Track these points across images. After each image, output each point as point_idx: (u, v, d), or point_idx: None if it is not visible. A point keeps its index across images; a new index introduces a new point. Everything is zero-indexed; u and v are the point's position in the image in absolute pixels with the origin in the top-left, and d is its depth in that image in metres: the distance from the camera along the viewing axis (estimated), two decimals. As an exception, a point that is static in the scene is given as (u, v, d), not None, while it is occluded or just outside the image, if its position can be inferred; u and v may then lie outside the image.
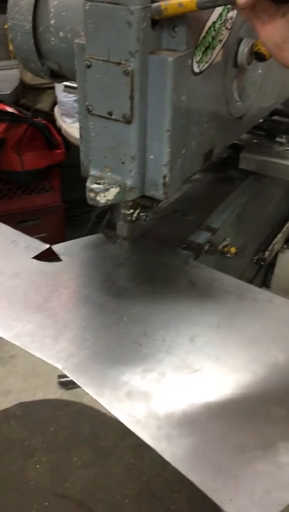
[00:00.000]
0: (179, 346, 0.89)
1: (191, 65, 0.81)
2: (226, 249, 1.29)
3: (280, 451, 0.73)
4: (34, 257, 1.10)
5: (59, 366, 0.85)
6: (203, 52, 0.82)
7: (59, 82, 1.10)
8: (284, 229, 1.79)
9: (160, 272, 1.08)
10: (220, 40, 0.86)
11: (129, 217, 1.00)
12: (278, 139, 1.49)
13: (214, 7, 0.75)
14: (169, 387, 0.82)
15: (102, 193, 0.86)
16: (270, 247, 1.70)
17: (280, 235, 1.75)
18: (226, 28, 0.87)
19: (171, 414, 0.78)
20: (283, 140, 1.49)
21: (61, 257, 1.10)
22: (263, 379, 0.84)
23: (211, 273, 1.08)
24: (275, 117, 1.62)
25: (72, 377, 0.83)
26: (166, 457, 0.72)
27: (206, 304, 0.99)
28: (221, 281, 1.05)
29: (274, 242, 1.72)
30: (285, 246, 1.81)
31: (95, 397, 0.80)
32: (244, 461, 0.72)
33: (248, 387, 0.83)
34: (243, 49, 0.94)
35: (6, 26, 3.09)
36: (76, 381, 0.83)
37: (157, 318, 0.96)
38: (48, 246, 1.12)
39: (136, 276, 1.07)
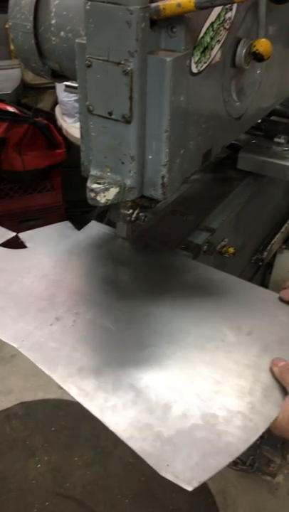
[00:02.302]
0: (134, 325, 0.94)
1: (190, 66, 0.81)
2: (224, 249, 1.30)
3: (220, 421, 0.77)
4: (0, 245, 1.15)
5: (15, 345, 0.89)
6: (201, 53, 0.83)
7: (60, 82, 1.11)
8: (282, 229, 1.79)
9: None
10: (218, 41, 0.87)
11: (129, 218, 1.00)
12: (277, 140, 1.50)
13: (212, 7, 0.75)
14: (120, 362, 0.87)
15: (102, 192, 0.86)
16: (268, 247, 1.70)
17: (278, 235, 1.76)
18: (225, 28, 0.87)
19: (118, 387, 0.83)
20: (282, 140, 1.49)
21: (27, 244, 1.17)
22: (210, 354, 0.89)
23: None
24: (274, 118, 1.62)
25: (27, 355, 0.88)
26: (110, 427, 0.76)
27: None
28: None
29: (272, 242, 1.72)
30: (283, 246, 1.81)
31: (47, 372, 0.85)
32: (184, 429, 0.76)
33: (194, 362, 0.87)
34: (242, 49, 0.95)
35: (7, 26, 3.10)
36: (30, 358, 0.87)
37: (117, 293, 1.01)
38: (14, 234, 1.18)
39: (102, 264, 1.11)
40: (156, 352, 0.90)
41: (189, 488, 0.70)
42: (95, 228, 1.21)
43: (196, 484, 0.70)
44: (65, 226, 1.23)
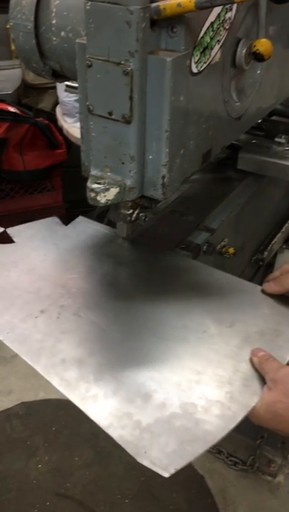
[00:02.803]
0: (119, 318, 0.96)
1: (190, 66, 0.81)
2: (224, 249, 1.30)
3: (198, 410, 0.79)
4: None
5: (0, 337, 0.92)
6: (201, 53, 0.83)
7: (60, 82, 1.11)
8: (283, 229, 1.79)
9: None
10: (218, 41, 0.87)
11: (129, 218, 1.01)
12: (277, 139, 1.50)
13: (212, 7, 0.76)
14: (103, 354, 0.88)
15: (103, 192, 0.86)
16: (269, 247, 1.70)
17: (279, 235, 1.76)
18: (225, 28, 0.87)
19: (100, 377, 0.84)
20: (282, 140, 1.49)
21: (14, 239, 1.18)
22: (192, 346, 0.91)
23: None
24: (275, 117, 1.62)
25: (11, 347, 0.90)
26: (90, 416, 0.78)
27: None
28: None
29: (273, 242, 1.72)
30: (284, 246, 1.81)
31: (31, 363, 0.87)
32: (163, 418, 0.78)
33: (176, 353, 0.89)
34: (242, 49, 0.95)
35: (8, 26, 3.10)
36: (15, 350, 0.89)
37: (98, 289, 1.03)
38: (2, 229, 1.20)
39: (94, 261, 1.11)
40: (140, 344, 0.91)
41: (166, 475, 0.72)
42: (89, 226, 1.22)
43: (172, 471, 0.72)
44: (52, 221, 1.24)
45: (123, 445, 0.75)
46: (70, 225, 1.22)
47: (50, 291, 1.02)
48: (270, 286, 1.02)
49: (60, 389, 0.83)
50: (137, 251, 1.13)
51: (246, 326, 0.95)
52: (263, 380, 0.84)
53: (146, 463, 0.73)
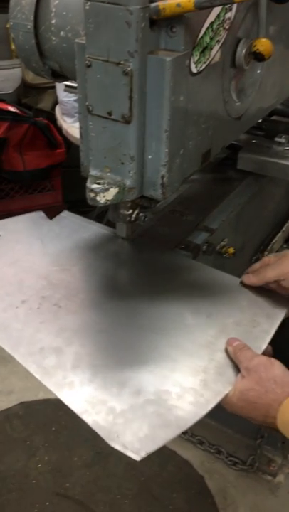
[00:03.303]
0: (99, 309, 0.98)
1: (189, 66, 0.81)
2: (224, 249, 1.29)
3: (172, 396, 0.81)
4: None
5: None
6: (201, 53, 0.83)
7: (60, 82, 1.11)
8: (283, 228, 1.79)
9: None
10: (218, 41, 0.87)
11: (128, 218, 1.00)
12: (277, 139, 1.49)
13: (212, 7, 0.75)
14: (81, 343, 0.90)
15: (102, 193, 0.86)
16: (269, 247, 1.70)
17: (279, 235, 1.76)
18: (224, 28, 0.87)
19: (77, 365, 0.86)
20: (283, 140, 1.49)
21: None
22: (169, 336, 0.93)
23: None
24: (275, 117, 1.62)
25: None
26: (66, 402, 0.80)
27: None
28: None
29: (273, 241, 1.72)
30: (284, 246, 1.81)
31: (10, 351, 0.89)
32: (137, 404, 0.80)
33: (153, 343, 0.91)
34: (242, 49, 0.95)
35: (8, 26, 3.09)
36: None
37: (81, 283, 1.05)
38: None
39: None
40: (118, 334, 0.93)
41: (137, 458, 0.73)
42: (73, 221, 1.24)
43: (143, 454, 0.73)
44: (37, 216, 1.26)
45: (97, 430, 0.76)
46: (54, 220, 1.24)
47: (32, 282, 1.03)
48: (249, 278, 1.03)
49: (37, 376, 0.85)
50: (119, 245, 1.15)
51: (223, 317, 0.97)
52: (237, 369, 0.86)
53: (118, 447, 0.75)
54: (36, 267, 1.08)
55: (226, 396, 0.83)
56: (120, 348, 0.91)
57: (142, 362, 0.88)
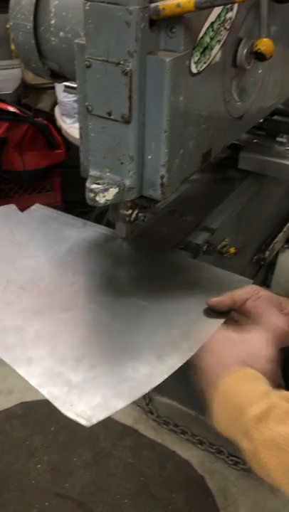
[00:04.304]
0: (62, 290, 1.01)
1: (189, 66, 0.81)
2: (224, 249, 1.29)
3: (128, 369, 0.84)
4: None
5: None
6: (201, 53, 0.82)
7: (59, 82, 1.11)
8: (285, 228, 1.79)
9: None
10: (218, 41, 0.86)
11: (128, 218, 1.00)
12: (279, 139, 1.49)
13: (212, 7, 0.75)
14: (43, 321, 0.93)
15: (102, 193, 0.86)
16: (270, 247, 1.70)
17: (280, 235, 1.75)
18: (225, 28, 0.87)
19: (37, 342, 0.89)
20: (284, 140, 1.49)
21: None
22: (128, 321, 0.95)
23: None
24: (276, 117, 1.61)
25: None
26: (23, 374, 0.83)
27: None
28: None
29: (274, 241, 1.72)
30: (285, 245, 1.81)
31: None
32: (92, 376, 0.83)
33: (109, 324, 0.94)
34: (243, 49, 0.94)
35: (7, 26, 3.09)
36: None
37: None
38: None
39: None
40: (80, 312, 0.96)
41: (88, 425, 0.76)
42: (44, 213, 1.25)
43: (94, 421, 0.76)
44: (9, 208, 1.27)
45: (51, 400, 0.79)
46: (25, 212, 1.26)
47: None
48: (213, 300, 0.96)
49: None
50: (86, 232, 1.18)
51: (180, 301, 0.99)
52: (191, 345, 0.86)
53: (71, 415, 0.77)
54: (3, 254, 1.11)
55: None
56: (81, 326, 0.94)
57: (101, 338, 0.92)
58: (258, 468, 0.72)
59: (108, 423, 2.05)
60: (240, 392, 0.76)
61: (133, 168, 0.86)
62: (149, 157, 0.85)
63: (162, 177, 0.86)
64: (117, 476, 1.96)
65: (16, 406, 2.25)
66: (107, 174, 0.88)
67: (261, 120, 1.50)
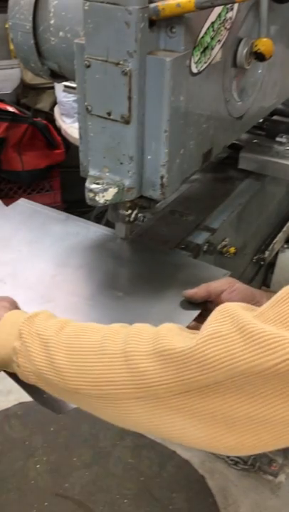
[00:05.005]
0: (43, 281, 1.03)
1: (189, 66, 0.81)
2: (225, 249, 1.29)
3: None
4: None
5: None
6: (201, 53, 0.82)
7: (59, 82, 1.11)
8: (284, 228, 1.78)
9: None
10: (219, 41, 0.86)
11: (128, 218, 1.00)
12: (278, 139, 1.49)
13: (213, 7, 0.75)
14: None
15: (101, 193, 0.86)
16: (270, 247, 1.69)
17: (280, 235, 1.75)
18: (225, 28, 0.87)
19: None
20: (284, 140, 1.49)
21: None
22: (106, 309, 0.97)
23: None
24: (276, 117, 1.61)
25: None
26: None
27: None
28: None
29: (274, 241, 1.72)
30: (285, 245, 1.80)
31: None
32: None
33: (87, 315, 0.96)
34: (243, 49, 0.94)
35: (6, 26, 3.08)
36: None
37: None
38: None
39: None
40: (61, 304, 0.97)
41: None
42: (28, 207, 1.26)
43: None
44: None
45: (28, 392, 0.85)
46: (10, 206, 1.26)
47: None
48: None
49: None
50: (69, 226, 1.18)
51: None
52: None
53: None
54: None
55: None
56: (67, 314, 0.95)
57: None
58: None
59: (108, 423, 2.04)
60: None
61: (132, 168, 0.86)
62: (149, 157, 0.85)
63: (162, 177, 0.86)
64: (117, 476, 1.96)
65: (15, 406, 2.25)
66: (107, 174, 0.88)
67: (261, 120, 1.49)
